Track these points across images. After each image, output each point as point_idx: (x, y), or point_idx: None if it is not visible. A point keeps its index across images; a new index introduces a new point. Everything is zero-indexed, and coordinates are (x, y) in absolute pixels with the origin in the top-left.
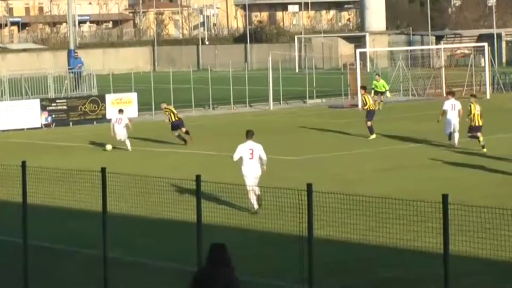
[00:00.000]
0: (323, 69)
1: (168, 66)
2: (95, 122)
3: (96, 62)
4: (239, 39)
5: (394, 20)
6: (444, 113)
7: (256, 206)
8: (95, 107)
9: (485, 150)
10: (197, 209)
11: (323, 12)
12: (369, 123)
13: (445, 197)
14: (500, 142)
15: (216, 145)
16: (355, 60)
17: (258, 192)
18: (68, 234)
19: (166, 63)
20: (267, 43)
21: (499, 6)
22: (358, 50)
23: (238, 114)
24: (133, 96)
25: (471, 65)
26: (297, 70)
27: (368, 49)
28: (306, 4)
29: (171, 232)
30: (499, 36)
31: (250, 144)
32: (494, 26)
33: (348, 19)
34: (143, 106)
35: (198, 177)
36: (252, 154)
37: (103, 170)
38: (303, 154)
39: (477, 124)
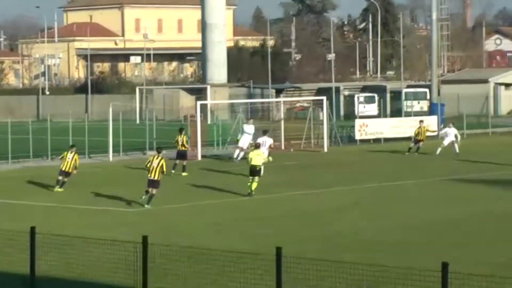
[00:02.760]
0: (164, 120)
1: (7, 116)
2: None
3: None
4: (81, 89)
5: (236, 72)
6: None
7: None
8: None
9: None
10: (31, 261)
11: (165, 63)
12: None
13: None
14: (336, 195)
15: (54, 196)
16: (196, 112)
17: None
18: None
19: (5, 113)
20: (108, 94)
21: (338, 60)
22: (199, 102)
23: None
24: None
25: (310, 118)
26: (138, 121)
27: (209, 101)
28: (148, 55)
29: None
30: (337, 90)
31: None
32: (333, 80)
33: (193, 73)
34: None
35: (32, 229)
36: None
37: None
38: (140, 206)
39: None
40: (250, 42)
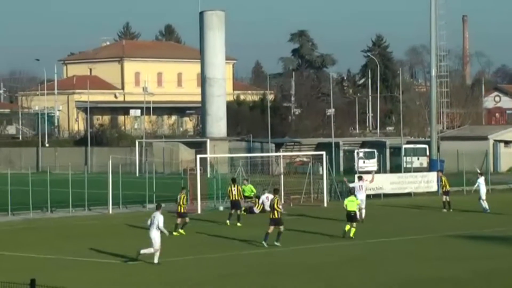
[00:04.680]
0: (164, 173)
1: (7, 167)
2: None
3: None
4: (80, 141)
5: (235, 126)
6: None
7: None
8: None
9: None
10: None
11: (165, 117)
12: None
13: None
14: (340, 249)
15: (54, 249)
16: (196, 165)
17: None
18: None
19: (4, 164)
20: (108, 146)
21: (337, 115)
22: (198, 156)
23: (76, 218)
24: None
25: (309, 173)
26: (137, 174)
27: (209, 155)
28: (148, 108)
29: None
30: (337, 145)
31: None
32: (333, 135)
33: (193, 126)
34: None
35: (32, 281)
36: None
37: None
38: (140, 259)
39: None
40: (250, 96)
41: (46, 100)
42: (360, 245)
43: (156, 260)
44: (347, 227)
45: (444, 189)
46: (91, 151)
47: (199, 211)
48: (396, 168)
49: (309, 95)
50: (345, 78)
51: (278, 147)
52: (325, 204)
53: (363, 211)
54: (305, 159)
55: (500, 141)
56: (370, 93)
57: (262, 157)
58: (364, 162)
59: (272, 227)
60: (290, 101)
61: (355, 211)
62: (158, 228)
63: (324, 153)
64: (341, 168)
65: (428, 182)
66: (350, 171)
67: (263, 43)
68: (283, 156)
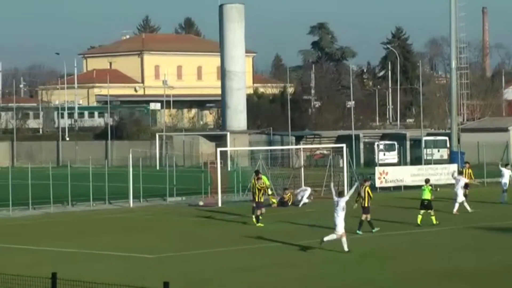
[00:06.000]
0: (184, 166)
1: (27, 161)
2: None
3: None
4: (100, 135)
5: (255, 119)
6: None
7: None
8: None
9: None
10: None
11: (185, 110)
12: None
13: None
14: (360, 241)
15: (75, 242)
16: (216, 158)
17: None
18: None
19: (25, 158)
20: (128, 140)
21: (357, 107)
22: (218, 149)
23: (97, 211)
24: None
25: (329, 166)
26: (157, 167)
27: (229, 148)
28: (168, 102)
29: None
30: (357, 137)
31: None
32: (353, 128)
33: (213, 119)
34: (1, 202)
35: (54, 275)
36: None
37: None
38: (160, 252)
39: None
40: (270, 89)
41: (66, 94)
42: (379, 237)
43: (346, 248)
44: (420, 217)
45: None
46: (111, 145)
47: (219, 204)
48: (417, 160)
49: (329, 88)
50: (365, 70)
51: (298, 140)
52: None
53: (456, 205)
54: (325, 152)
55: None
56: (390, 85)
57: (282, 150)
58: (384, 154)
59: (365, 215)
60: (310, 94)
61: (428, 200)
62: (343, 209)
63: (344, 145)
64: (362, 161)
65: (448, 174)
66: (371, 163)
67: (282, 36)
68: (303, 148)
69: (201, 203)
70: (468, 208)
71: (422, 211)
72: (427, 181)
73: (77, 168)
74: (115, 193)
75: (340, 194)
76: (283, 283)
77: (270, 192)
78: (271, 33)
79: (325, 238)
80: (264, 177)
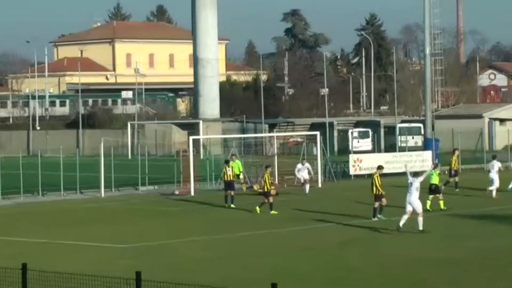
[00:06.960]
0: (156, 155)
1: None
2: None
3: None
4: (71, 124)
5: (228, 107)
6: None
7: None
8: None
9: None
10: None
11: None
12: None
13: (273, 286)
14: (335, 230)
15: (46, 233)
16: (188, 147)
17: None
18: None
19: None
20: (99, 129)
21: (331, 95)
22: (191, 137)
23: (68, 201)
24: None
25: (303, 154)
26: (129, 157)
27: (202, 136)
28: (140, 90)
29: None
30: (331, 125)
31: None
32: (327, 115)
33: (185, 107)
34: None
35: (24, 266)
36: None
37: None
38: (133, 242)
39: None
40: (243, 76)
41: (36, 82)
42: (359, 225)
43: (420, 227)
44: (429, 202)
45: (453, 167)
46: (83, 134)
47: (192, 193)
48: (391, 147)
49: (302, 75)
50: (338, 57)
51: (271, 127)
52: (320, 185)
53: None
54: (299, 140)
55: (495, 119)
56: (364, 72)
57: (255, 137)
58: (358, 141)
59: (377, 203)
60: (284, 81)
61: (436, 184)
62: (417, 190)
63: (318, 133)
64: (335, 148)
65: (423, 161)
66: (345, 151)
67: (255, 23)
68: (277, 136)
69: (176, 192)
70: (494, 194)
71: (430, 196)
72: (435, 165)
73: (48, 158)
74: (87, 183)
75: (415, 174)
76: (259, 273)
77: (241, 178)
78: (244, 20)
79: (401, 223)
80: (238, 162)
